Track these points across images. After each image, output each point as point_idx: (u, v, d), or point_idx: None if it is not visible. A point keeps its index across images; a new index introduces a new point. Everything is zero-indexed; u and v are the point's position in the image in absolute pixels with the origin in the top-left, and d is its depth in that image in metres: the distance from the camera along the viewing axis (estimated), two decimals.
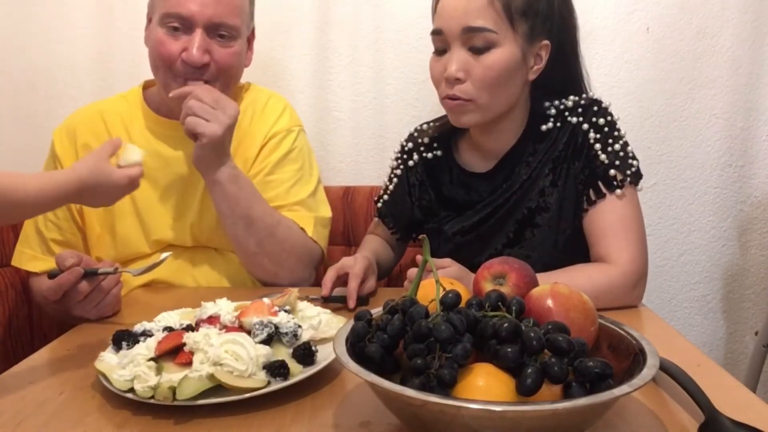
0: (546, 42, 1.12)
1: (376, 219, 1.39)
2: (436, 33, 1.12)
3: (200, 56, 1.17)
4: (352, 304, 1.08)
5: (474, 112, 1.12)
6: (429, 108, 1.64)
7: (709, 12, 1.60)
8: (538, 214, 1.17)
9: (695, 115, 1.64)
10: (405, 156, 1.31)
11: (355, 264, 1.12)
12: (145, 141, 1.29)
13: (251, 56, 1.33)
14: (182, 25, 1.18)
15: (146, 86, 1.34)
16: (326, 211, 1.34)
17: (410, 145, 1.31)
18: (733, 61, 1.61)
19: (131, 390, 0.74)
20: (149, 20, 1.26)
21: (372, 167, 1.69)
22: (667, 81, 1.63)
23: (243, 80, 1.38)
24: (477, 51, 1.08)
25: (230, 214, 1.18)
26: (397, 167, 1.33)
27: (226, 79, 1.24)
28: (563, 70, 1.18)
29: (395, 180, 1.32)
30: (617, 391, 0.57)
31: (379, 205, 1.35)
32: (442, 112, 1.34)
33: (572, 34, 1.17)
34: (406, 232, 1.35)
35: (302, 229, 1.26)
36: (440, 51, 1.13)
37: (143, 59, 1.27)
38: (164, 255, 1.06)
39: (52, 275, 1.02)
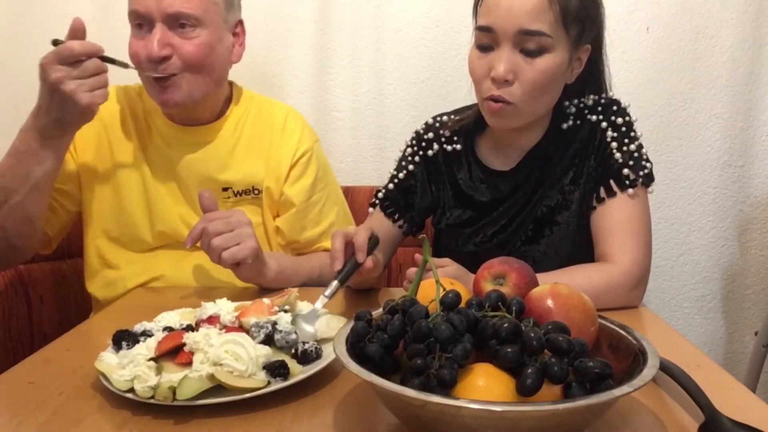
0: (588, 46, 1.12)
1: (372, 210, 1.31)
2: (485, 29, 1.06)
3: (158, 49, 1.17)
4: (362, 257, 0.98)
5: (515, 117, 1.09)
6: (429, 108, 1.64)
7: (708, 12, 1.60)
8: (558, 212, 1.16)
9: (695, 115, 1.64)
10: (424, 144, 1.26)
11: (357, 231, 1.03)
12: (153, 137, 1.30)
13: (241, 51, 1.32)
14: (144, 22, 1.19)
15: None
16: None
17: (430, 135, 1.26)
18: (732, 61, 1.61)
19: (131, 390, 0.74)
20: None
21: (372, 167, 1.69)
22: (667, 81, 1.63)
23: (242, 82, 1.38)
24: (529, 54, 1.04)
25: (293, 282, 1.24)
26: (413, 155, 1.27)
27: (196, 70, 1.21)
28: (592, 70, 1.17)
29: (410, 167, 1.27)
30: (617, 392, 0.57)
31: (380, 195, 1.29)
32: (440, 111, 1.35)
33: (602, 34, 1.16)
34: (413, 222, 1.29)
35: None
36: (485, 48, 1.08)
37: None
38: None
39: (56, 42, 1.04)
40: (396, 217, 1.27)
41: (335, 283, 0.96)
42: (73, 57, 1.04)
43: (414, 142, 1.28)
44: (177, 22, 1.19)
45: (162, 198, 1.28)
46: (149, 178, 1.29)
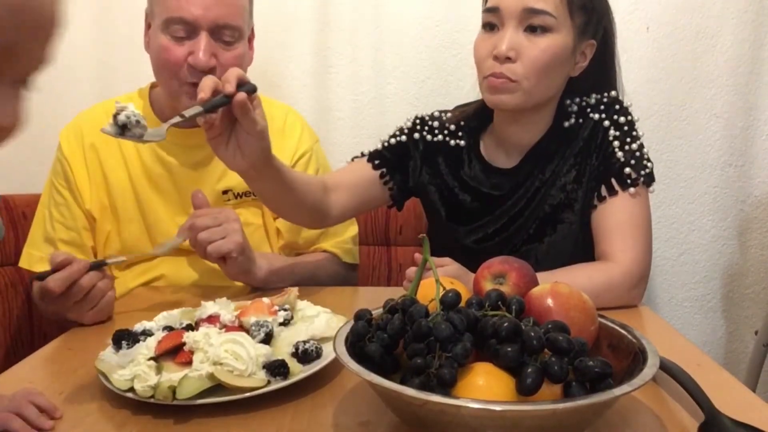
0: (592, 41, 1.13)
1: (355, 161, 1.28)
2: (492, 10, 1.10)
3: (207, 60, 1.16)
4: (230, 87, 0.89)
5: (516, 94, 1.10)
6: (429, 107, 1.62)
7: (708, 12, 1.60)
8: (561, 211, 1.17)
9: (695, 114, 1.64)
10: (426, 128, 1.26)
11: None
12: (147, 148, 1.29)
13: (252, 55, 1.33)
14: (186, 31, 1.17)
15: (153, 86, 1.34)
16: (353, 229, 1.42)
17: (435, 123, 1.26)
18: (732, 60, 1.61)
19: (131, 389, 0.74)
20: (148, 26, 1.25)
21: None
22: (667, 80, 1.63)
23: None
24: (533, 32, 1.07)
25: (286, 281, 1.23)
26: (412, 131, 1.26)
27: None
28: (601, 72, 1.18)
29: (403, 139, 1.26)
30: (617, 391, 0.57)
31: (369, 150, 1.27)
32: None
33: (612, 39, 1.18)
34: (400, 188, 1.26)
35: (336, 255, 1.37)
36: (491, 28, 1.11)
37: (143, 61, 1.26)
38: (179, 238, 1.12)
39: (40, 277, 0.99)
40: (387, 178, 1.25)
41: (196, 107, 0.88)
42: (56, 295, 0.97)
43: (418, 121, 1.28)
44: (221, 32, 1.19)
45: (158, 213, 1.28)
46: (144, 194, 1.29)
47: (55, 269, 0.98)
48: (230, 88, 0.89)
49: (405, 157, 1.26)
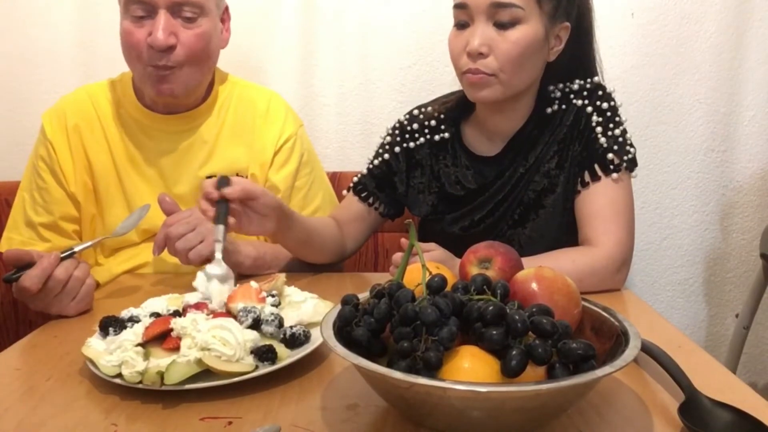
0: (566, 24, 1.13)
1: (345, 193, 1.33)
2: (460, 6, 1.10)
3: (165, 38, 1.15)
4: (214, 193, 1.00)
5: (495, 87, 1.10)
6: (415, 93, 1.64)
7: None
8: (544, 196, 1.18)
9: (678, 100, 1.66)
10: (407, 136, 1.27)
11: (203, 185, 1.04)
12: (131, 132, 1.28)
13: (228, 37, 1.31)
14: (145, 10, 1.16)
15: None
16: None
17: (415, 126, 1.27)
18: (716, 46, 1.62)
19: (119, 375, 0.74)
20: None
21: (358, 153, 1.69)
22: (651, 66, 1.64)
23: (227, 67, 1.37)
24: (502, 26, 1.07)
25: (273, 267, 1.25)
26: (392, 145, 1.27)
27: (195, 63, 1.21)
28: (579, 53, 1.18)
29: (386, 156, 1.27)
30: (599, 372, 0.58)
31: (355, 180, 1.30)
32: (427, 98, 1.35)
33: (589, 18, 1.18)
34: (389, 205, 1.30)
35: None
36: (462, 25, 1.11)
37: None
38: (144, 208, 1.14)
39: (8, 279, 0.98)
40: (370, 201, 1.28)
41: (219, 226, 1.00)
42: (34, 293, 0.96)
43: (397, 132, 1.28)
44: (180, 9, 1.17)
45: (141, 198, 1.27)
46: (128, 177, 1.28)
47: (21, 266, 0.98)
48: (215, 194, 1.00)
49: (389, 175, 1.28)
